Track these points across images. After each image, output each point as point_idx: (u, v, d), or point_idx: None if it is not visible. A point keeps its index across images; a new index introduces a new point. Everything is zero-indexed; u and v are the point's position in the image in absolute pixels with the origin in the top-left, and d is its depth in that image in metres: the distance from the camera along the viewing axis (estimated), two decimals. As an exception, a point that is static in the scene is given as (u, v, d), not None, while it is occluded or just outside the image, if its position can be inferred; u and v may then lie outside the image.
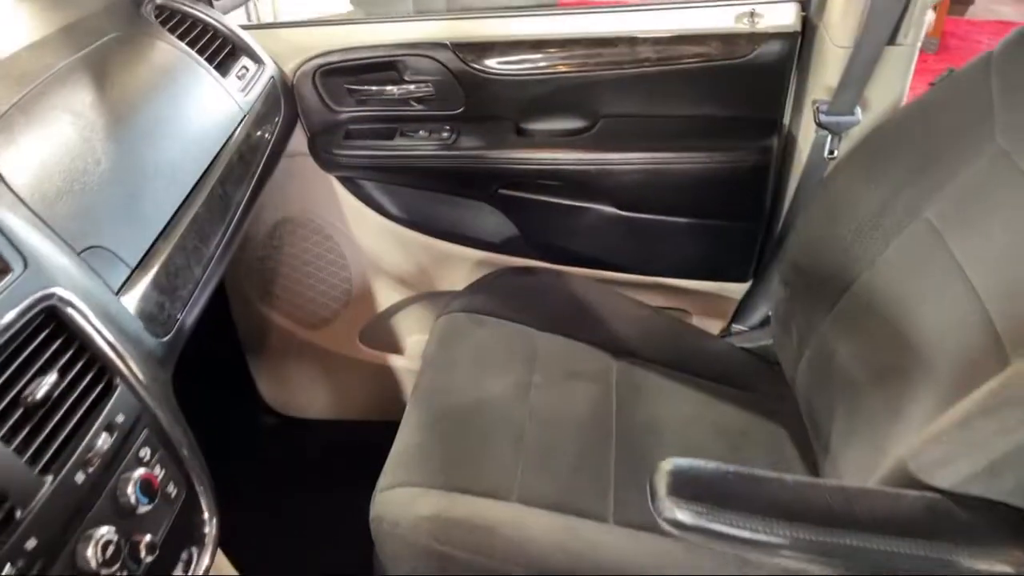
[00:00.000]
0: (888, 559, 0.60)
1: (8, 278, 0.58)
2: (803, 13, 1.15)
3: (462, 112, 1.27)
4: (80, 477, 0.57)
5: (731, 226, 1.26)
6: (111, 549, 0.56)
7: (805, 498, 0.64)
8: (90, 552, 0.55)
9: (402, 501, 0.86)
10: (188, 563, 0.67)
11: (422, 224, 1.35)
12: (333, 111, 1.28)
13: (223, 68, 1.09)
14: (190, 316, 0.80)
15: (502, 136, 1.25)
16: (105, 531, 0.57)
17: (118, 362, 0.64)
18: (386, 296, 1.44)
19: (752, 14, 1.17)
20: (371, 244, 1.38)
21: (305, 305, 1.46)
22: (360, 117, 1.29)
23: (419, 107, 1.28)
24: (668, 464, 0.65)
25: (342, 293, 1.44)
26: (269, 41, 1.22)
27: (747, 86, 1.19)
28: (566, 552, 0.82)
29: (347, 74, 1.26)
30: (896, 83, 1.09)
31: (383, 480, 0.90)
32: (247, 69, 1.15)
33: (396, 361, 1.50)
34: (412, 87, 1.26)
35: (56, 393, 0.58)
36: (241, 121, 1.06)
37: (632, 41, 1.19)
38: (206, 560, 0.69)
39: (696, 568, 0.81)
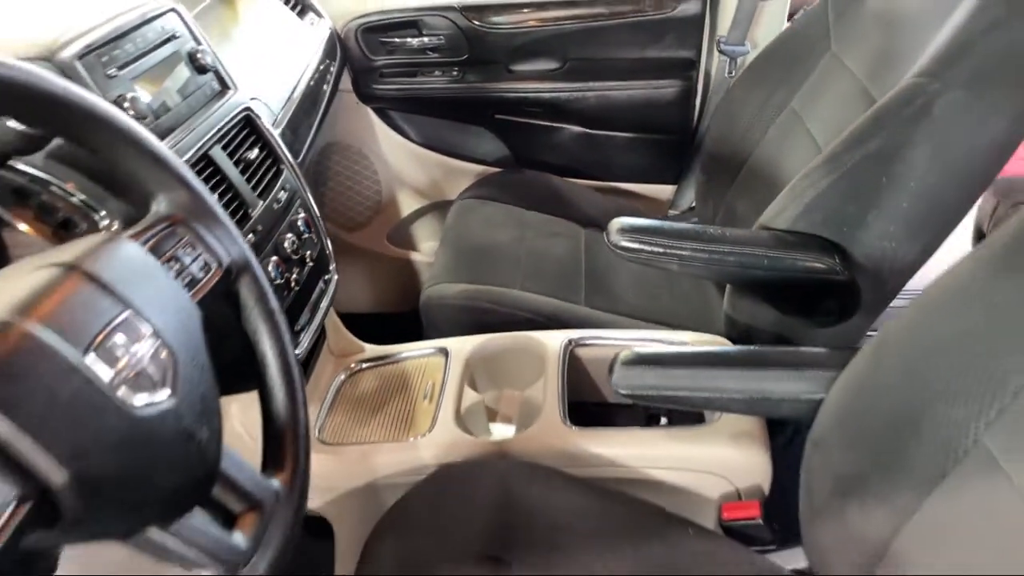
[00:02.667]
0: (745, 259, 1.04)
1: (229, 93, 0.99)
2: (711, -20, 1.63)
3: (466, 59, 1.72)
4: (275, 206, 0.98)
5: (666, 139, 1.72)
6: (297, 243, 0.98)
7: (702, 230, 1.08)
8: (287, 242, 0.96)
9: (442, 289, 1.29)
10: (323, 291, 1.08)
11: (436, 145, 1.79)
12: (370, 59, 1.72)
13: (301, 16, 1.52)
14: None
15: (497, 74, 1.71)
16: (291, 235, 0.99)
17: (282, 155, 1.05)
18: (407, 204, 1.88)
19: (675, -18, 1.65)
20: (397, 162, 1.82)
21: (345, 212, 1.88)
22: (390, 63, 1.73)
23: (434, 55, 1.72)
24: (617, 223, 1.09)
25: (374, 203, 1.88)
26: (323, 4, 1.66)
27: (674, 32, 1.66)
28: (553, 315, 1.25)
29: (380, 31, 1.70)
30: (774, 25, 1.57)
31: (427, 283, 1.32)
32: (312, 23, 1.58)
33: (416, 256, 1.93)
34: (428, 39, 1.70)
35: (256, 162, 0.99)
36: (317, 60, 1.49)
37: (591, 2, 1.66)
38: (331, 292, 1.09)
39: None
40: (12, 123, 0.60)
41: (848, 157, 1.04)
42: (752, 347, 0.93)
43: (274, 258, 0.93)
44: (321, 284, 1.06)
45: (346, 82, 1.72)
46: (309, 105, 1.37)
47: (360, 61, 1.72)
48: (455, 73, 1.71)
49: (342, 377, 1.15)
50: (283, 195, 0.99)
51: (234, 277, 0.63)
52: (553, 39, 1.68)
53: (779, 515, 0.93)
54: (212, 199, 0.63)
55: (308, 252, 1.01)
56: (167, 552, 0.50)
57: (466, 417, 1.03)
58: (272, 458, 0.60)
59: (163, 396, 0.48)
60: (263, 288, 0.64)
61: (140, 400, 0.46)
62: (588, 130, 1.73)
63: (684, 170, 1.75)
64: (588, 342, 1.12)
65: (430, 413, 1.04)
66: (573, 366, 1.09)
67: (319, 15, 1.61)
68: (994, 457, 0.63)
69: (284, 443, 0.60)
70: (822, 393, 0.79)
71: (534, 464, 0.89)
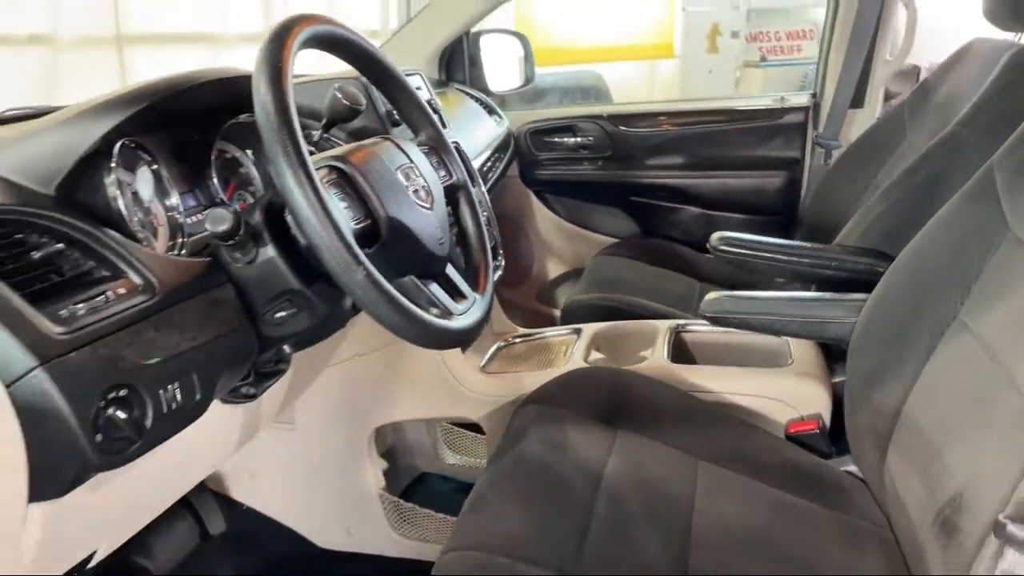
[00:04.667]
0: (817, 262, 1.35)
1: (448, 130, 1.46)
2: (812, 93, 2.03)
3: (610, 155, 2.17)
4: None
5: (772, 219, 2.07)
6: None
7: (786, 242, 1.40)
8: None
9: (579, 299, 1.65)
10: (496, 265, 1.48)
11: (581, 221, 2.23)
12: (534, 153, 2.21)
13: (490, 115, 2.05)
14: None
15: (633, 165, 2.14)
16: None
17: (476, 176, 1.49)
18: (554, 269, 2.30)
19: (783, 98, 2.06)
20: (548, 234, 2.26)
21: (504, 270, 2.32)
22: (550, 157, 2.21)
23: (584, 151, 2.19)
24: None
25: (527, 266, 2.31)
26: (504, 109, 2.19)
27: (782, 137, 2.04)
28: (666, 316, 1.57)
29: (545, 132, 2.19)
30: (863, 124, 1.92)
31: (567, 297, 1.66)
32: (497, 122, 2.10)
33: (558, 314, 2.32)
34: (580, 139, 2.18)
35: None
36: (497, 145, 1.99)
37: (711, 112, 2.09)
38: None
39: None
40: (342, 98, 1.06)
41: (901, 187, 1.36)
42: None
43: None
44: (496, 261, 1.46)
45: (513, 169, 2.21)
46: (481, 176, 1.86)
47: (527, 154, 2.21)
48: (599, 164, 2.17)
49: (501, 343, 1.52)
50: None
51: (458, 188, 1.04)
52: (680, 139, 2.11)
53: (835, 440, 1.18)
54: (450, 144, 1.06)
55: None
56: (420, 293, 0.88)
57: (591, 363, 1.36)
58: (473, 276, 0.98)
59: (428, 205, 0.89)
60: (472, 198, 1.06)
61: (419, 200, 0.87)
62: (706, 211, 2.10)
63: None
64: (691, 328, 1.44)
65: (564, 361, 1.38)
66: (677, 345, 1.40)
67: (501, 117, 2.13)
68: (965, 323, 0.91)
69: (479, 274, 0.99)
70: (855, 317, 1.08)
71: (643, 374, 1.21)
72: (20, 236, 0.71)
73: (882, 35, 1.88)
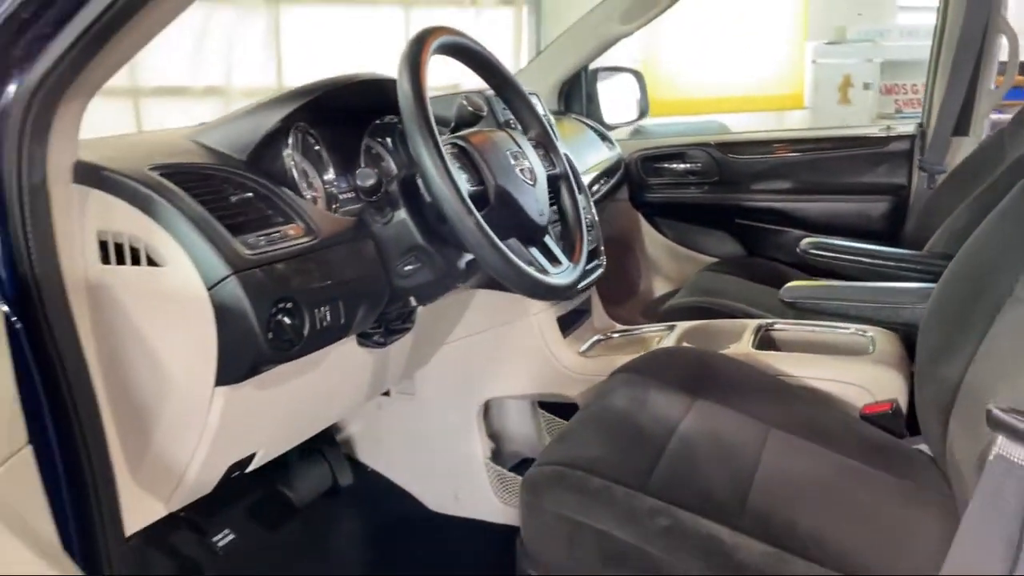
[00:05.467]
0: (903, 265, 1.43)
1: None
2: (919, 123, 2.09)
3: (716, 180, 2.29)
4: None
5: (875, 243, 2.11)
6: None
7: (872, 246, 1.49)
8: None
9: (676, 303, 1.77)
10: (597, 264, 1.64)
11: (688, 243, 2.35)
12: (643, 178, 2.36)
13: (604, 142, 2.23)
14: None
15: (739, 190, 2.25)
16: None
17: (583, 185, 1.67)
18: (659, 288, 2.42)
19: (888, 127, 2.13)
20: (655, 255, 2.39)
21: (609, 294, 2.45)
22: (659, 182, 2.36)
23: (692, 177, 2.32)
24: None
25: (633, 285, 2.44)
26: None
27: (887, 164, 2.10)
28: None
29: (655, 159, 2.35)
30: (964, 151, 1.96)
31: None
32: (609, 148, 2.27)
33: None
34: (689, 166, 2.31)
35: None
36: (606, 168, 2.16)
37: (817, 140, 2.18)
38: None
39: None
40: (467, 105, 1.26)
41: (983, 198, 1.43)
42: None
43: None
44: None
45: (623, 193, 2.37)
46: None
47: (637, 179, 2.37)
48: (706, 189, 2.29)
49: (600, 337, 1.66)
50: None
51: (560, 177, 1.22)
52: (786, 166, 2.21)
53: (909, 425, 1.24)
54: (556, 141, 1.24)
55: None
56: (521, 253, 1.05)
57: (681, 350, 1.49)
58: (569, 249, 1.15)
59: (532, 183, 1.07)
60: (572, 187, 1.23)
61: (524, 177, 1.06)
62: (809, 234, 2.17)
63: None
64: (779, 327, 1.53)
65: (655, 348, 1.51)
66: (764, 339, 1.50)
67: (613, 144, 2.31)
68: (1020, 298, 0.98)
69: (575, 247, 1.15)
70: (924, 304, 1.16)
71: (727, 356, 1.32)
72: (222, 187, 0.94)
73: (985, 65, 1.93)
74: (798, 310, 1.31)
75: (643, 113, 2.47)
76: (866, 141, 2.14)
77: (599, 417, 1.12)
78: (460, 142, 1.03)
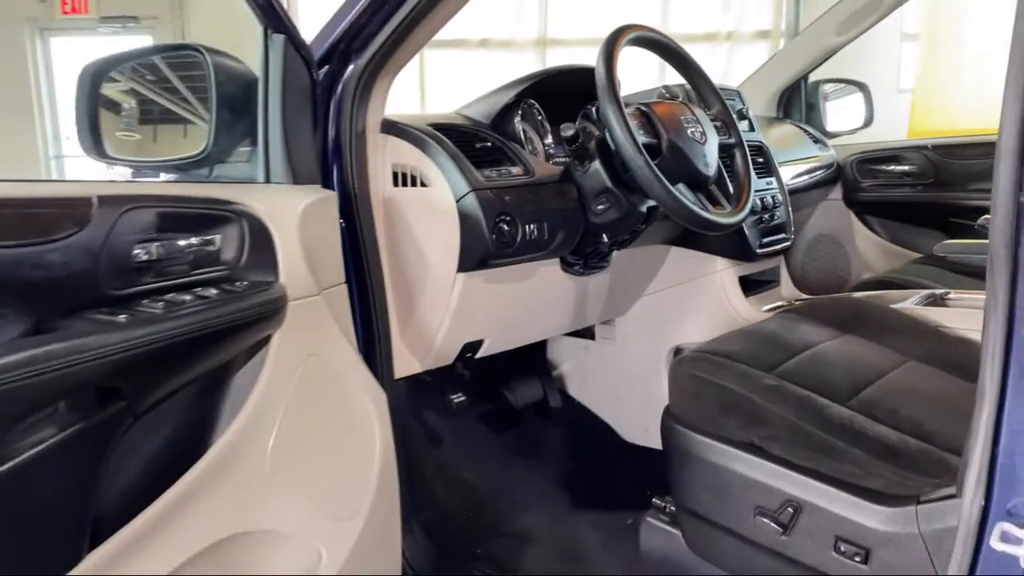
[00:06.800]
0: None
1: (755, 133, 1.89)
2: None
3: (932, 181, 2.35)
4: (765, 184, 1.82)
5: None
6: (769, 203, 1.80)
7: None
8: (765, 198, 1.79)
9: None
10: (784, 238, 1.85)
11: (902, 241, 2.42)
12: (858, 179, 2.48)
13: (817, 144, 2.40)
14: None
15: (953, 190, 2.29)
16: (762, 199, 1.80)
17: (775, 167, 1.89)
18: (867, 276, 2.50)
19: None
20: (865, 252, 2.49)
21: (816, 286, 2.58)
22: (874, 183, 2.46)
23: (907, 178, 2.40)
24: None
25: (843, 280, 2.55)
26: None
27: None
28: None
29: (870, 162, 2.46)
30: None
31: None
32: (820, 150, 2.43)
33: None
34: (904, 167, 2.40)
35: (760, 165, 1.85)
36: (814, 167, 2.32)
37: None
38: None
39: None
40: (665, 92, 1.58)
41: None
42: None
43: None
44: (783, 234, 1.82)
45: (837, 193, 2.50)
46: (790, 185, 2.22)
47: (851, 180, 2.49)
48: (920, 189, 2.36)
49: (784, 303, 1.86)
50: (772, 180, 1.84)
51: (734, 145, 1.49)
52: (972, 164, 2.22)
53: None
54: (734, 117, 1.52)
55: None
56: (686, 195, 1.34)
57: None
58: (736, 200, 1.41)
59: (702, 142, 1.36)
60: (745, 153, 1.50)
61: (695, 137, 1.36)
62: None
63: None
64: (952, 297, 1.63)
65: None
66: (932, 303, 1.61)
67: (826, 146, 2.46)
68: None
69: (741, 197, 1.42)
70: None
71: (885, 305, 1.49)
72: (471, 138, 1.36)
73: None
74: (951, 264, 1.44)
75: (867, 123, 2.60)
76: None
77: (748, 331, 1.37)
78: (643, 107, 1.36)
